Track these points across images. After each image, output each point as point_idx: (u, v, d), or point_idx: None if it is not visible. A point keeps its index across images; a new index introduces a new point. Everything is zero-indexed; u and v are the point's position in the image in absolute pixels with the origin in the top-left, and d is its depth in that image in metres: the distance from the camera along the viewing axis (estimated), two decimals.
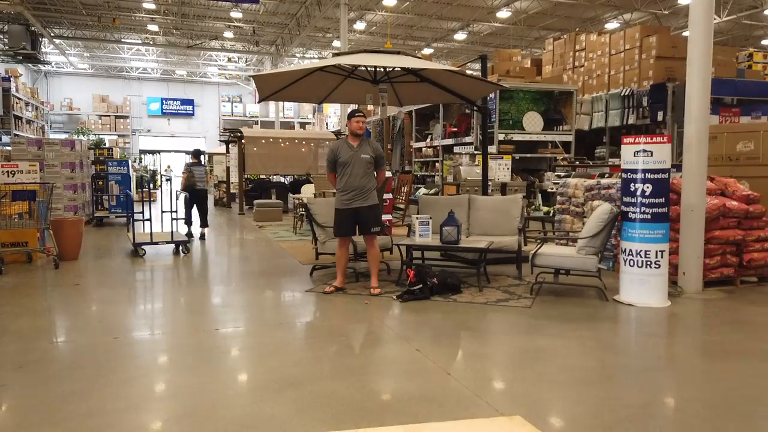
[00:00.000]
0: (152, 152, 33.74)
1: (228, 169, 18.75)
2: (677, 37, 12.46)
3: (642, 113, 11.55)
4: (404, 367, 3.86)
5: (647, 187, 5.49)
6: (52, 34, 24.76)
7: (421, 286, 5.74)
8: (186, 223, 10.44)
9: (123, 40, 27.27)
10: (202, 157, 11.04)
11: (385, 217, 8.24)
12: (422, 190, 12.85)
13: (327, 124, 29.33)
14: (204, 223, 10.68)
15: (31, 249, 7.99)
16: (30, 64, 27.64)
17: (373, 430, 2.69)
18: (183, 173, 10.52)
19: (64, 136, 24.64)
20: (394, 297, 5.78)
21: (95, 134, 30.66)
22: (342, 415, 3.08)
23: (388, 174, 8.74)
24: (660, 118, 10.97)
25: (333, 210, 6.15)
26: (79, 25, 24.81)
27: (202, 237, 10.54)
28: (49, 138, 18.03)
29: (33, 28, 21.76)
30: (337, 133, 18.06)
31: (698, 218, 5.94)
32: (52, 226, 8.02)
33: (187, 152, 35.75)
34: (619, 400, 3.31)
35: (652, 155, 5.46)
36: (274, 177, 18.50)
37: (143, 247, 8.66)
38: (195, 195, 10.38)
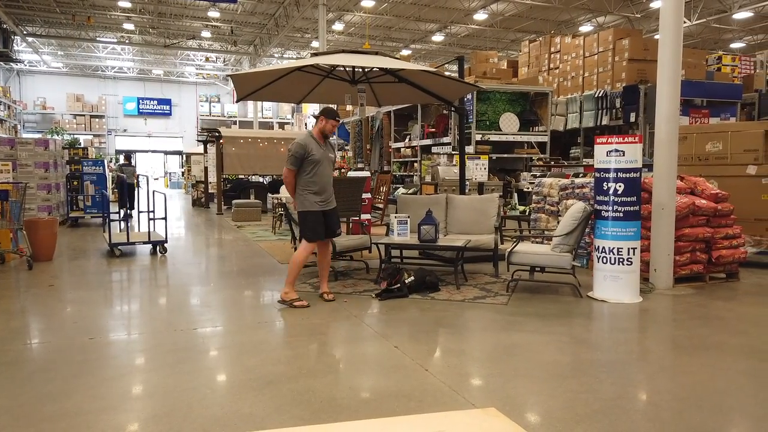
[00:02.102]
0: (129, 152, 33.28)
1: (206, 169, 18.61)
2: (649, 39, 12.71)
3: (615, 114, 11.77)
4: (383, 364, 3.90)
5: (619, 186, 5.61)
6: (24, 32, 24.27)
7: (398, 285, 5.79)
8: (120, 207, 14.11)
9: (98, 38, 26.83)
10: (132, 159, 16.26)
11: (364, 216, 8.29)
12: (401, 190, 12.91)
13: (306, 124, 29.23)
14: (131, 206, 14.50)
15: (3, 250, 7.86)
16: (2, 63, 27.06)
17: (350, 425, 2.73)
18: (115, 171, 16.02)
19: (37, 136, 24.17)
20: (373, 295, 5.82)
21: (70, 134, 30.15)
22: (320, 412, 3.11)
23: (366, 174, 8.80)
24: (632, 119, 11.19)
25: None
26: (52, 23, 24.37)
27: (126, 217, 12.29)
28: (23, 137, 17.68)
29: (5, 26, 21.31)
30: None
31: (669, 216, 6.09)
32: (26, 227, 7.90)
33: (165, 152, 35.62)
34: (592, 393, 3.39)
35: (624, 155, 5.59)
36: (253, 177, 18.41)
37: (120, 247, 8.57)
38: (125, 186, 14.55)
